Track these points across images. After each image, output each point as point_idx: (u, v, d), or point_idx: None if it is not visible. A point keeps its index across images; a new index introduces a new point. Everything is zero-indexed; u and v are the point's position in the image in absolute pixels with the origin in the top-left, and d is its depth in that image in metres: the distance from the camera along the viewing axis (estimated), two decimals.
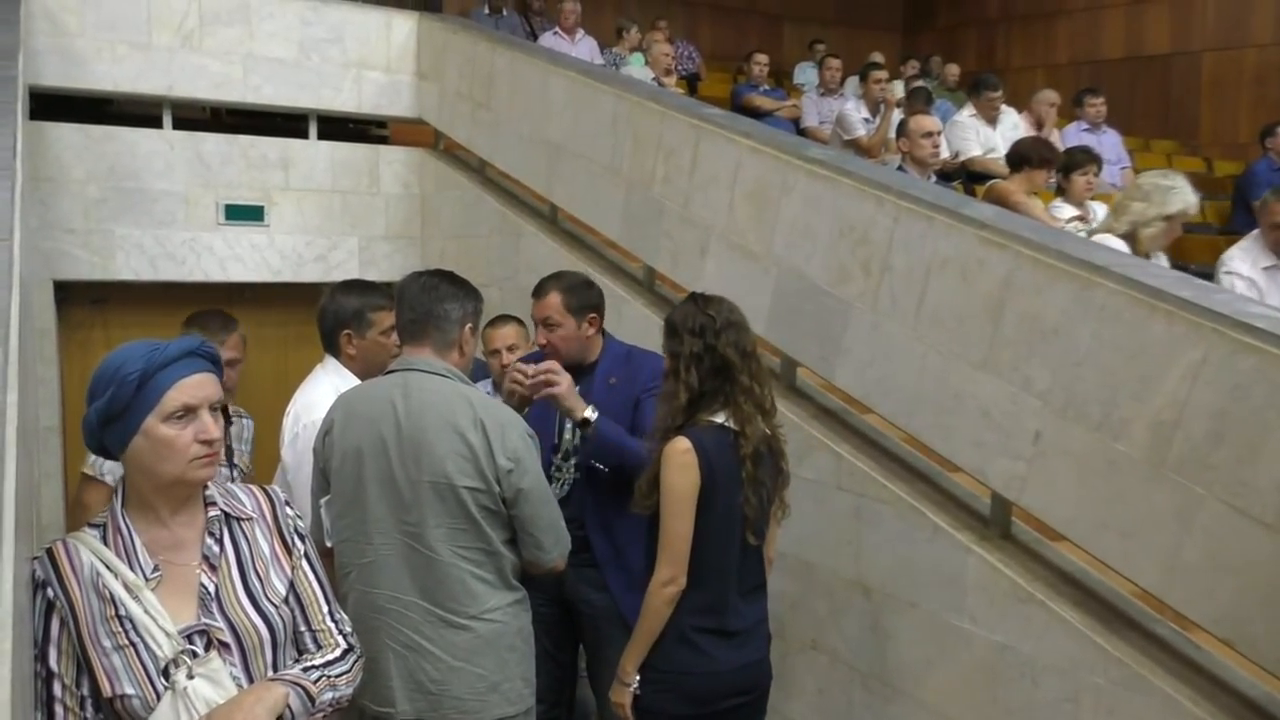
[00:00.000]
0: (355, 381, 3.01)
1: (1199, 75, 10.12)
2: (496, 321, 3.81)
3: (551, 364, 2.96)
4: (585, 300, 3.16)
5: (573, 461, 3.15)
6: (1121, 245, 3.71)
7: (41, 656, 1.65)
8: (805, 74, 9.44)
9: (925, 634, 3.01)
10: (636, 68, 7.85)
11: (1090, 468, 2.56)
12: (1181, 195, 3.90)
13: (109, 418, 1.72)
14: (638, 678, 2.65)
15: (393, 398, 2.54)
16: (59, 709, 1.65)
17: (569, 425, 3.15)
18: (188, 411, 1.73)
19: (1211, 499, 2.30)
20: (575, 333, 3.13)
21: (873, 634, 3.18)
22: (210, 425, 1.74)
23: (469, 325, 2.65)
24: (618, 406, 3.08)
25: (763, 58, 8.14)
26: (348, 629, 1.95)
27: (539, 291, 3.18)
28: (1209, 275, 4.30)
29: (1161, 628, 2.63)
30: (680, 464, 2.57)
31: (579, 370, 3.17)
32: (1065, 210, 4.88)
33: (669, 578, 2.58)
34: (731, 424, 2.63)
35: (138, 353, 1.72)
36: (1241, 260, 4.27)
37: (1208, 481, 2.31)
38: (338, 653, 1.88)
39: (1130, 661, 2.50)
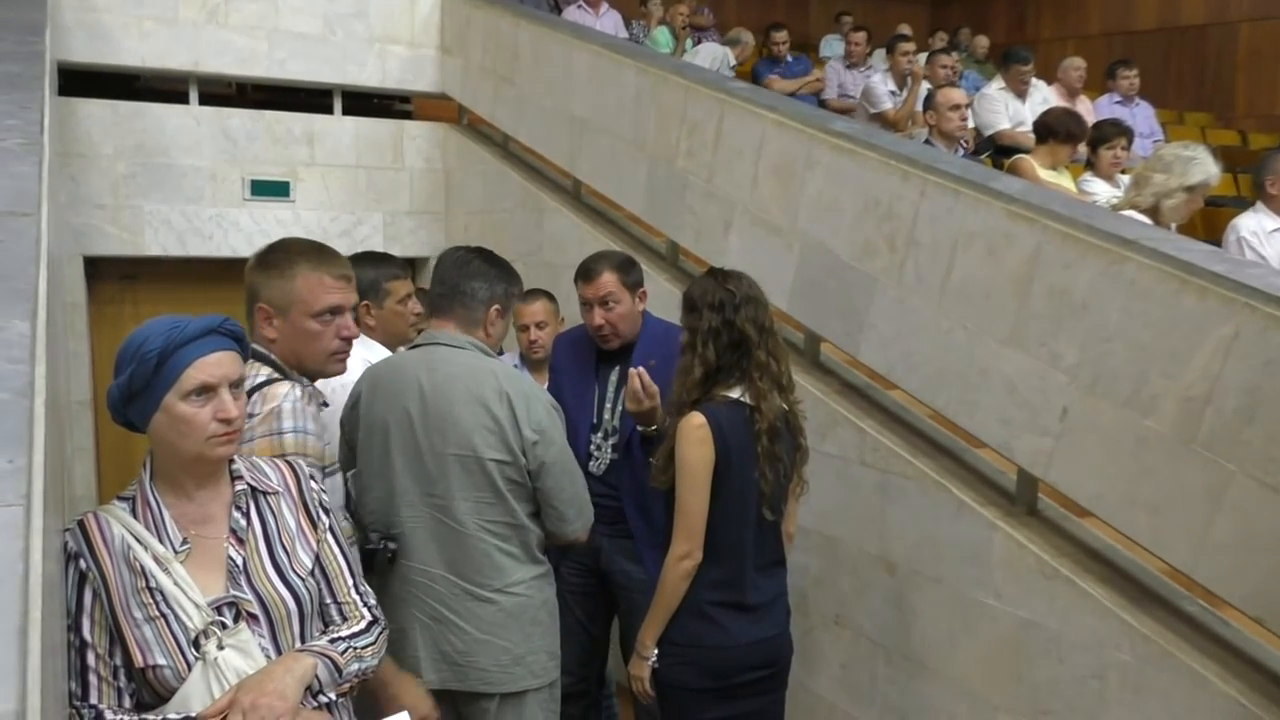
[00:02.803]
0: (381, 349, 3.04)
1: (1235, 46, 9.92)
2: (526, 296, 3.80)
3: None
4: (636, 276, 3.18)
5: (612, 441, 3.15)
6: (1145, 219, 3.66)
7: (75, 627, 1.67)
8: (831, 47, 9.34)
9: (950, 610, 3.00)
10: (663, 45, 7.81)
11: (1119, 444, 2.54)
12: (1203, 166, 3.85)
13: (130, 394, 1.74)
14: (656, 651, 2.67)
15: (418, 372, 2.55)
16: (93, 678, 1.67)
17: (608, 404, 3.16)
18: (206, 390, 1.73)
19: (1242, 475, 2.28)
20: (632, 308, 3.15)
21: (897, 610, 3.18)
22: (229, 404, 1.75)
23: (496, 307, 2.63)
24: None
25: (781, 35, 8.02)
26: (372, 601, 1.96)
27: (589, 273, 3.15)
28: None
29: (1190, 605, 2.61)
30: (695, 439, 2.57)
31: (622, 349, 3.17)
32: (1095, 185, 4.81)
33: (685, 552, 2.59)
34: (747, 399, 2.63)
35: (158, 330, 1.73)
36: (1246, 223, 4.35)
37: (1239, 458, 2.29)
38: (363, 625, 1.90)
39: (1158, 638, 2.48)
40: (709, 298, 2.64)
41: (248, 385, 2.06)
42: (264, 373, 2.17)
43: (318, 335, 2.22)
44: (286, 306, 2.20)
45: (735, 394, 2.63)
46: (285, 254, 2.25)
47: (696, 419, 2.58)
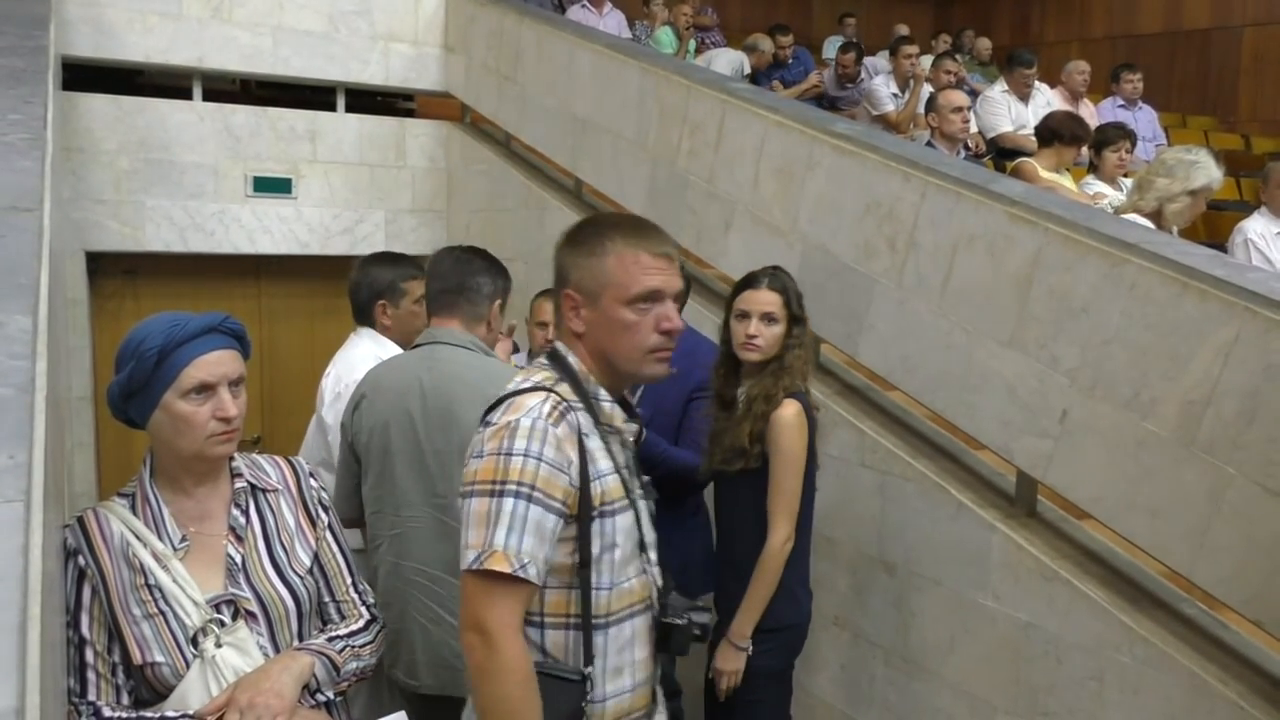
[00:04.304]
0: (393, 347, 3.05)
1: (1239, 51, 9.92)
2: (550, 294, 3.81)
3: None
4: None
5: None
6: (1147, 224, 3.66)
7: (74, 623, 1.68)
8: (834, 48, 9.34)
9: (949, 612, 3.00)
10: (665, 46, 7.81)
11: (1119, 446, 2.53)
12: (1205, 169, 3.85)
13: (130, 392, 1.74)
14: (750, 642, 2.70)
15: (419, 371, 2.56)
16: (91, 675, 1.67)
17: None
18: (205, 388, 1.74)
19: (1242, 478, 2.28)
20: None
21: (896, 611, 3.18)
22: (228, 403, 1.75)
23: (498, 302, 2.66)
24: (673, 398, 3.05)
25: (786, 39, 8.00)
26: (370, 600, 1.96)
27: None
28: None
29: (1189, 607, 2.61)
30: (796, 425, 2.67)
31: None
32: (1097, 187, 4.81)
33: (787, 535, 2.67)
34: (803, 385, 2.77)
35: (158, 328, 1.73)
36: (1253, 225, 4.47)
37: (1238, 461, 2.29)
38: (361, 623, 1.90)
39: (1157, 640, 2.48)
40: (796, 289, 2.80)
41: (513, 385, 1.80)
42: (535, 377, 1.81)
43: (632, 327, 1.78)
44: (597, 291, 1.80)
45: (800, 382, 2.75)
46: (597, 228, 1.87)
47: (794, 406, 2.68)
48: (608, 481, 1.76)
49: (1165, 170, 3.89)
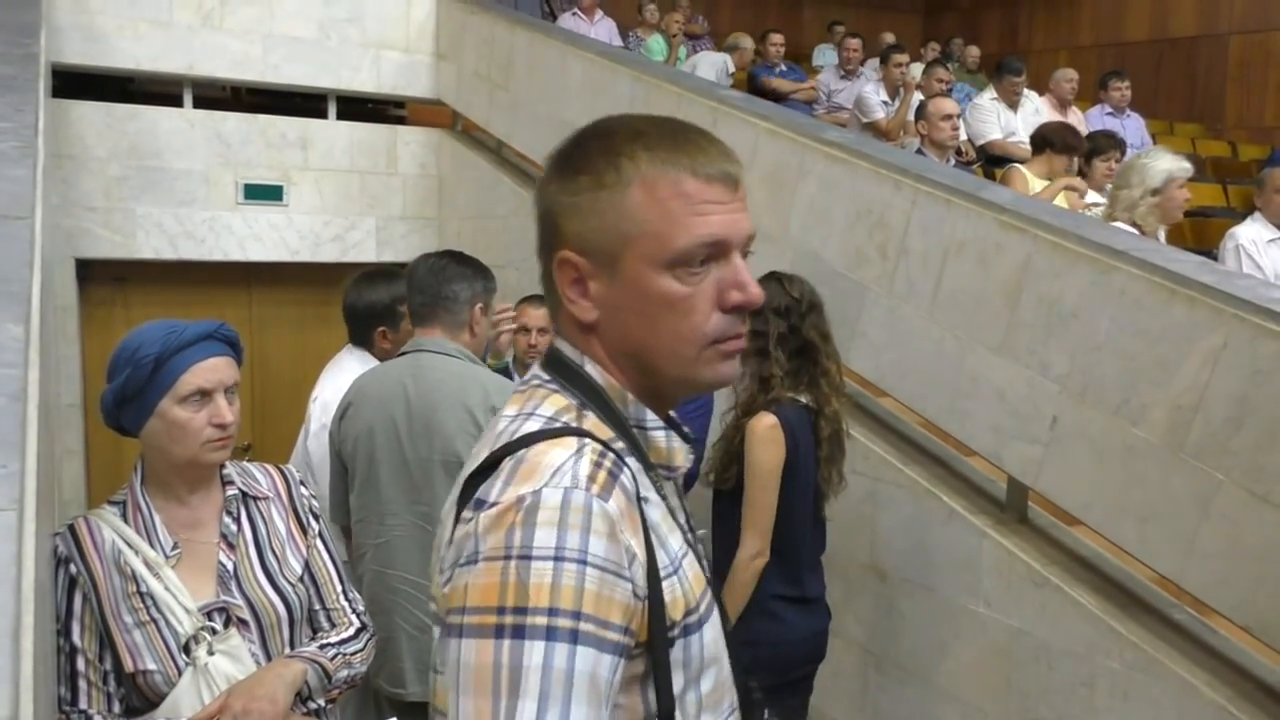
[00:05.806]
0: None
1: (1225, 58, 9.99)
2: (534, 300, 3.81)
3: None
4: None
5: None
6: (1134, 232, 3.69)
7: (65, 631, 1.67)
8: (824, 56, 9.37)
9: (940, 618, 3.01)
10: (656, 53, 7.83)
11: (1108, 452, 2.55)
12: (1159, 164, 3.88)
13: (125, 398, 1.74)
14: None
15: (403, 379, 2.55)
16: (82, 683, 1.67)
17: None
18: (202, 395, 1.74)
19: (1230, 484, 2.29)
20: None
21: (888, 617, 3.18)
22: (224, 409, 1.75)
23: (479, 305, 2.64)
24: None
25: (777, 38, 8.08)
26: (360, 608, 1.96)
27: None
28: None
29: (1178, 613, 2.62)
30: (769, 439, 2.60)
31: None
32: (1090, 197, 4.84)
33: (757, 550, 2.61)
34: (811, 403, 2.68)
35: (155, 334, 1.73)
36: (1245, 232, 4.46)
37: (1227, 467, 2.30)
38: (351, 631, 1.90)
39: (1146, 646, 2.49)
40: (774, 303, 2.67)
41: (507, 426, 1.04)
42: (544, 410, 1.05)
43: (679, 304, 1.04)
44: (614, 249, 1.05)
45: (803, 399, 2.67)
46: (605, 139, 1.08)
47: (769, 419, 2.61)
48: (685, 576, 1.04)
49: (1123, 181, 3.96)
